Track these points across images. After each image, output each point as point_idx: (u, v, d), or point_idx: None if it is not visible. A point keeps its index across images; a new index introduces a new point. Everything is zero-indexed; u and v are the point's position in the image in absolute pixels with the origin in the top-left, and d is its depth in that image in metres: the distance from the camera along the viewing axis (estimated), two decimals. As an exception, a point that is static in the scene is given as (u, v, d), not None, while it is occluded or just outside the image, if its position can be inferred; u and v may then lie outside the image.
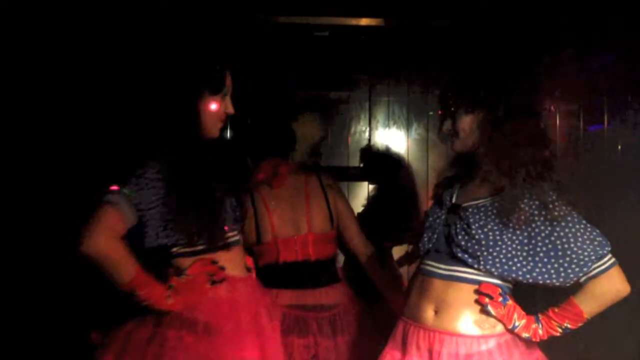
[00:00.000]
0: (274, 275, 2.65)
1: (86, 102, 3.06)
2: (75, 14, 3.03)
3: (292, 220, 2.71)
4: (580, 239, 1.88)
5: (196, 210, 1.99)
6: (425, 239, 2.07)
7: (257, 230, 2.68)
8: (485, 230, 1.93)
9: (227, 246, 2.10)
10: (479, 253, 1.91)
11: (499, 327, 1.93)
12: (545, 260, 1.88)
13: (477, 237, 1.92)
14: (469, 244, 1.93)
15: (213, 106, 2.09)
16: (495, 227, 1.93)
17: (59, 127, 3.05)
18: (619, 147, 2.98)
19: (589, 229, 1.90)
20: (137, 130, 2.12)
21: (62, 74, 3.06)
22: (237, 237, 2.17)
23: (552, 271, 1.88)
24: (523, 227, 1.90)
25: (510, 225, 1.91)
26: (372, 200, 3.51)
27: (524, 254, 1.90)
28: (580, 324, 1.91)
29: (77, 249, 1.90)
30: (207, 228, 2.01)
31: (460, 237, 1.96)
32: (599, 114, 3.06)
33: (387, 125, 4.21)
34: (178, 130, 2.02)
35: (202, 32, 3.20)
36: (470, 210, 1.99)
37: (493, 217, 1.95)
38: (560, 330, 1.91)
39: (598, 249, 1.87)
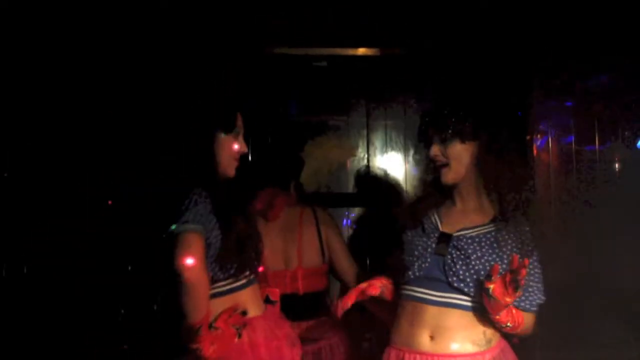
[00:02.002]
0: None
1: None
2: (95, 55, 3.13)
3: (283, 253, 2.74)
4: (538, 283, 2.02)
5: (240, 243, 2.05)
6: (415, 266, 2.04)
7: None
8: (483, 260, 1.96)
9: (251, 282, 2.14)
10: (478, 283, 1.93)
11: (493, 341, 1.99)
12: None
13: (476, 267, 1.94)
14: (467, 274, 1.95)
15: (227, 145, 2.13)
16: (494, 257, 1.96)
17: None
18: (615, 166, 3.05)
19: (541, 277, 2.03)
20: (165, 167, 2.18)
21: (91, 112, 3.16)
22: (254, 277, 2.20)
23: (526, 300, 1.99)
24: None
25: (507, 255, 1.95)
26: (364, 224, 3.55)
27: None
28: (512, 331, 1.98)
29: (179, 277, 1.88)
30: (248, 260, 2.07)
31: (458, 267, 1.97)
32: (591, 135, 3.14)
33: (385, 151, 4.26)
34: (197, 169, 2.06)
35: (212, 70, 3.29)
36: (464, 240, 2.00)
37: (489, 246, 1.98)
38: (508, 324, 1.94)
39: (540, 298, 2.01)
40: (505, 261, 1.94)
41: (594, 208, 2.82)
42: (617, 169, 3.10)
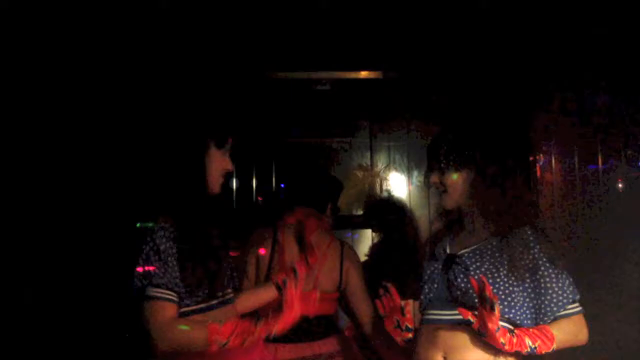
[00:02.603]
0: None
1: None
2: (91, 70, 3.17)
3: None
4: (559, 282, 1.97)
5: (198, 265, 2.03)
6: (426, 290, 2.11)
7: (267, 274, 2.71)
8: (483, 269, 1.99)
9: (223, 304, 2.12)
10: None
11: (510, 357, 1.96)
12: (528, 300, 1.97)
13: (476, 277, 1.95)
14: (469, 285, 1.98)
15: (217, 159, 2.15)
16: (492, 267, 1.99)
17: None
18: (618, 186, 3.06)
19: (564, 275, 1.98)
20: (149, 183, 2.19)
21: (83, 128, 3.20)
22: (230, 296, 2.20)
23: (532, 310, 1.98)
24: (516, 270, 1.97)
25: (504, 267, 1.98)
26: (375, 249, 3.54)
27: (519, 294, 1.97)
28: (545, 351, 1.93)
29: (157, 350, 1.96)
30: (206, 283, 2.05)
31: (459, 279, 2.01)
32: (594, 155, 3.15)
33: (389, 172, 4.29)
34: (185, 183, 2.08)
35: (211, 85, 3.34)
36: (465, 255, 2.06)
37: (489, 256, 2.02)
38: (529, 348, 1.90)
39: (571, 294, 1.97)
40: (503, 272, 1.98)
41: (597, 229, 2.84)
42: (620, 188, 3.11)
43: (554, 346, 1.93)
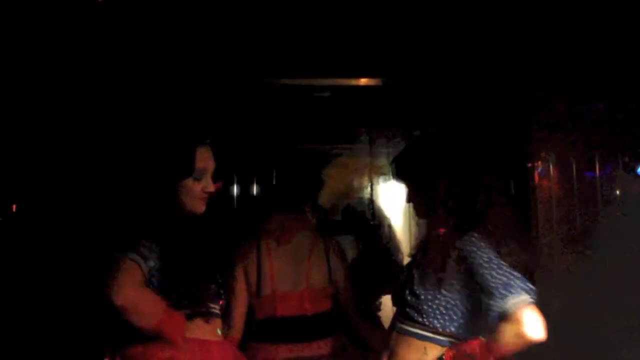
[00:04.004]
0: (272, 328, 2.72)
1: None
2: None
3: (292, 275, 2.77)
4: (492, 281, 1.86)
5: (179, 280, 2.09)
6: (394, 294, 2.19)
7: (258, 283, 2.74)
8: (424, 283, 2.02)
9: (204, 315, 2.15)
10: (420, 307, 1.99)
11: None
12: (468, 309, 1.95)
13: (417, 291, 2.01)
14: (411, 298, 2.02)
15: (187, 190, 2.15)
16: (433, 281, 2.00)
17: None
18: (615, 194, 3.08)
19: (500, 271, 1.87)
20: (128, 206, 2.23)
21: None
22: (216, 311, 2.22)
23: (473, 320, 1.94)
24: (448, 279, 1.97)
25: (444, 279, 1.98)
26: (357, 255, 3.57)
27: (456, 307, 1.96)
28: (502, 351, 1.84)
29: (109, 301, 1.97)
30: (188, 295, 2.10)
31: (406, 291, 2.06)
32: (591, 163, 3.17)
33: (388, 178, 4.29)
34: (159, 208, 2.11)
35: (210, 95, 3.35)
36: (415, 266, 2.10)
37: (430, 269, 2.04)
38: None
39: (503, 291, 1.83)
40: (445, 285, 1.98)
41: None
42: (617, 196, 3.13)
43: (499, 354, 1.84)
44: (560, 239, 3.13)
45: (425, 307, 1.98)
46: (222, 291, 2.25)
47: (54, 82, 3.17)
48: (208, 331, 2.16)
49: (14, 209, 3.23)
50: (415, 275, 2.05)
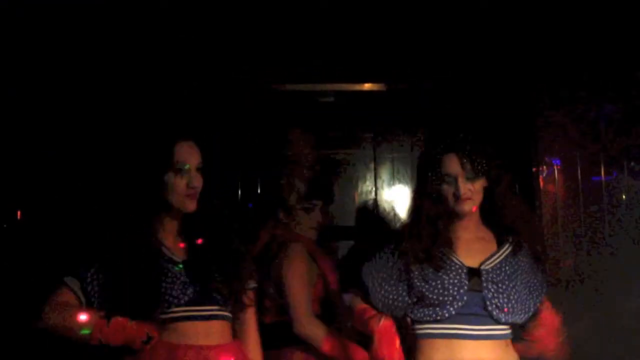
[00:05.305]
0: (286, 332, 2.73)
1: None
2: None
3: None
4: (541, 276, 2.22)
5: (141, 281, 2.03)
6: (448, 305, 2.10)
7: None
8: (517, 287, 2.12)
9: (206, 319, 2.09)
10: (514, 309, 2.11)
11: None
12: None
13: (515, 296, 2.12)
14: (509, 305, 2.10)
15: (170, 185, 2.09)
16: (522, 280, 2.15)
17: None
18: (622, 197, 3.07)
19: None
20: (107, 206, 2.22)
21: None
22: (215, 313, 2.14)
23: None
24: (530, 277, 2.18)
25: (522, 276, 2.15)
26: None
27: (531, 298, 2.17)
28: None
29: (33, 324, 2.00)
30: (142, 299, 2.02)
31: (500, 300, 2.10)
32: (597, 166, 3.16)
33: (392, 184, 4.29)
34: (145, 205, 2.09)
35: (213, 99, 3.35)
36: (493, 271, 2.15)
37: (513, 271, 2.15)
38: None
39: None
40: (528, 278, 2.16)
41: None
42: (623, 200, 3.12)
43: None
44: (564, 242, 3.13)
45: (517, 307, 2.13)
46: (222, 291, 2.17)
47: (54, 83, 3.17)
48: (192, 335, 2.07)
49: (18, 216, 3.23)
50: (502, 280, 2.15)
